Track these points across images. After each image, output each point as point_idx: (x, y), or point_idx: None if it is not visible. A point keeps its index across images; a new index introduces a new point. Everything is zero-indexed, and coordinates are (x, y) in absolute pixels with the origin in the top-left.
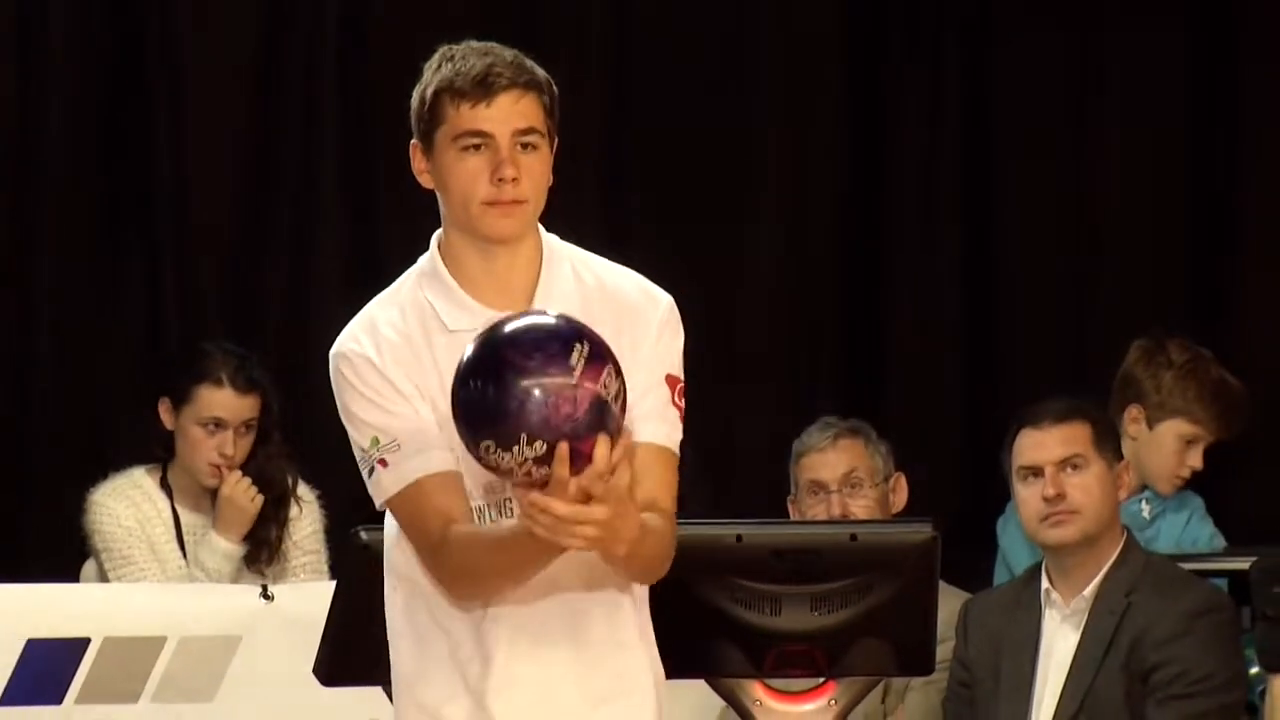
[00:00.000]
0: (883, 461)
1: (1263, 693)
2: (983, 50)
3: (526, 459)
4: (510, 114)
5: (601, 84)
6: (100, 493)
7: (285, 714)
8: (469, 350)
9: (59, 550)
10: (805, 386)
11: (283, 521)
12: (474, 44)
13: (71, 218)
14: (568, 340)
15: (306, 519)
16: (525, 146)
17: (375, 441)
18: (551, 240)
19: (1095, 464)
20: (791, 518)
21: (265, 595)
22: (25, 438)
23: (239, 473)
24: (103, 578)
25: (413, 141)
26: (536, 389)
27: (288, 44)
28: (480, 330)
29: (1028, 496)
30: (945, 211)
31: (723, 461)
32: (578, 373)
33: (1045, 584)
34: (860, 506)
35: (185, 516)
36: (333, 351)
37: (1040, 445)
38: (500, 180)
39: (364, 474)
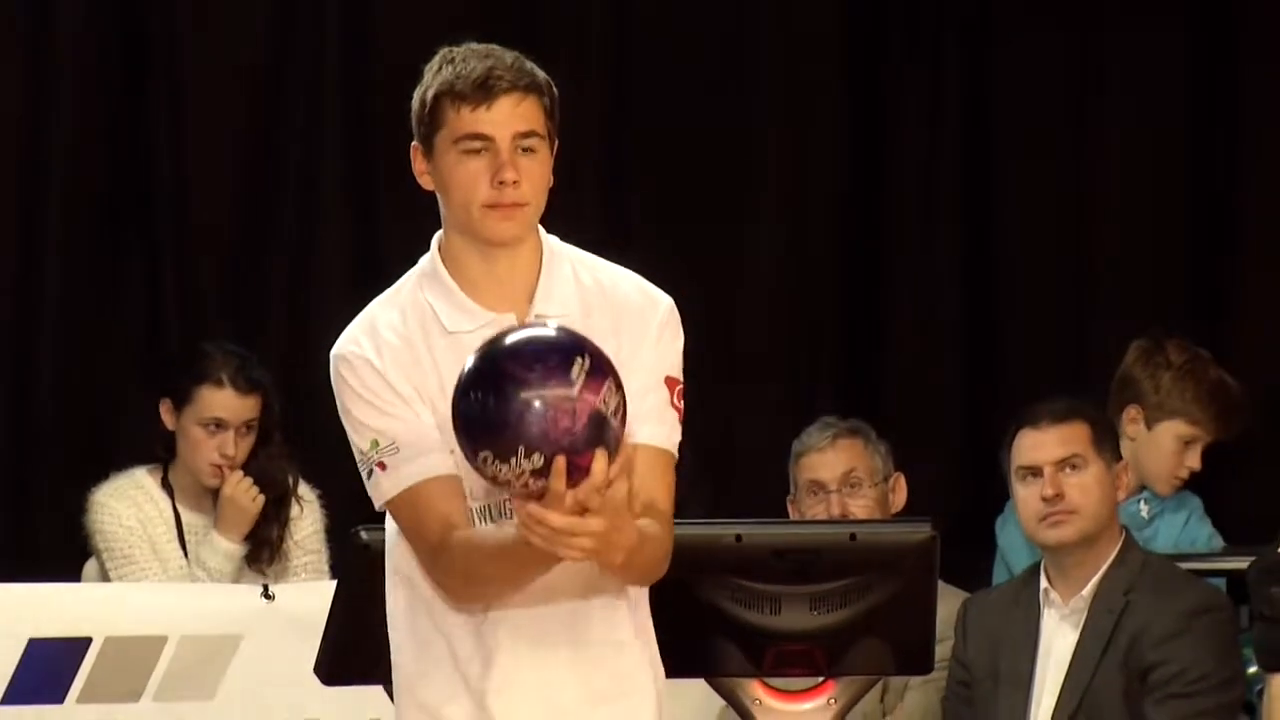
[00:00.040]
0: (882, 461)
1: (1260, 692)
2: (983, 50)
3: (524, 471)
4: (511, 117)
5: (601, 84)
6: (102, 492)
7: (286, 713)
8: (469, 362)
9: (61, 550)
10: (805, 386)
11: (284, 521)
12: (474, 46)
13: (73, 218)
14: (568, 353)
15: (307, 518)
16: (525, 150)
17: (374, 444)
18: (551, 241)
19: (1094, 464)
20: (791, 518)
21: (266, 595)
22: (27, 437)
23: (240, 473)
24: (104, 577)
25: (413, 143)
26: (536, 401)
27: (289, 44)
28: (482, 341)
29: (1026, 496)
30: (945, 211)
31: (723, 461)
32: (578, 386)
33: (1044, 583)
34: (859, 506)
35: (186, 516)
36: (333, 353)
37: (1039, 445)
38: (500, 183)
39: (363, 475)
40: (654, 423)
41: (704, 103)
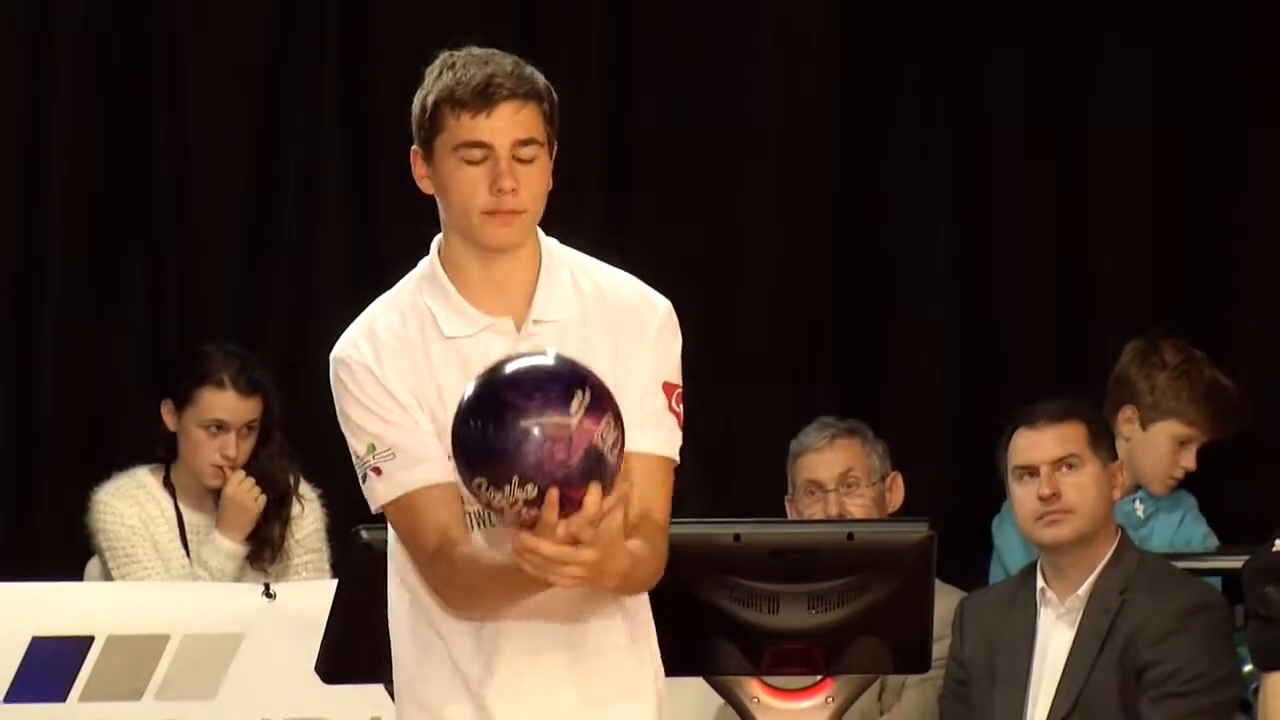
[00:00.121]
0: (879, 461)
1: (1256, 690)
2: (981, 50)
3: (517, 500)
4: (510, 125)
5: (601, 84)
6: (104, 492)
7: (287, 712)
8: (470, 389)
9: (63, 549)
10: (804, 386)
11: (285, 520)
12: (475, 51)
13: (74, 218)
14: (569, 385)
15: (308, 517)
16: (524, 158)
17: (371, 448)
18: (551, 245)
19: (1090, 464)
20: (789, 517)
21: (267, 594)
22: (28, 437)
23: (242, 473)
24: (107, 576)
25: (413, 147)
26: (534, 431)
27: (289, 44)
28: (479, 344)
29: (1023, 496)
30: (943, 211)
31: (721, 461)
32: (576, 420)
33: (1040, 582)
34: (857, 506)
35: (188, 516)
36: (333, 356)
37: (1036, 445)
38: (499, 191)
39: (359, 478)
40: (652, 429)
41: (704, 103)
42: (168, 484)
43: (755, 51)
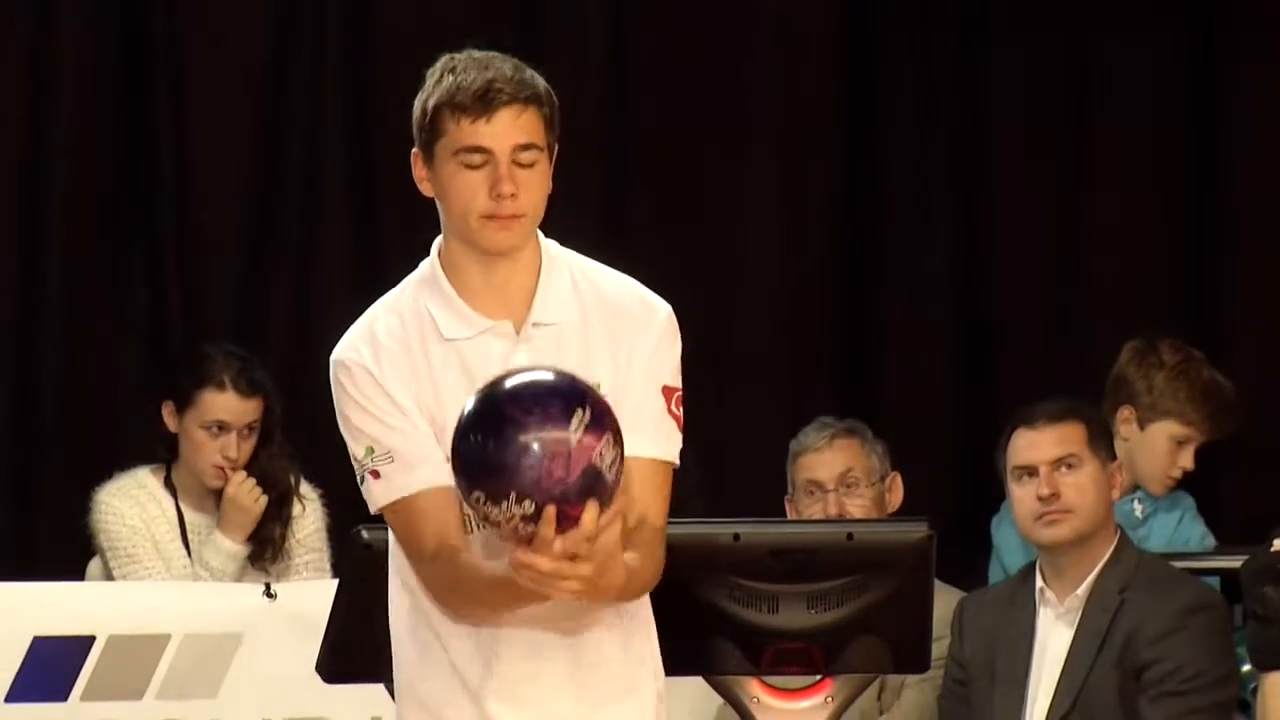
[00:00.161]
0: (879, 461)
1: (1254, 690)
2: (981, 50)
3: (514, 515)
4: (510, 130)
5: (601, 84)
6: (105, 492)
7: (288, 711)
8: (470, 403)
9: (64, 549)
10: (803, 386)
11: (286, 520)
12: (475, 54)
13: (75, 217)
14: (569, 402)
15: (309, 517)
16: (524, 163)
17: (369, 451)
18: (550, 247)
19: (1089, 464)
20: (789, 517)
21: (268, 593)
22: (29, 437)
23: (243, 473)
24: (108, 576)
25: (413, 150)
26: (533, 447)
27: (290, 44)
28: (477, 348)
29: (1022, 496)
30: (942, 211)
31: (720, 461)
32: (575, 438)
33: (1039, 582)
34: (856, 506)
35: (189, 516)
36: (333, 358)
37: (1035, 445)
38: (499, 196)
39: (358, 480)
40: (651, 433)
41: (704, 103)
42: (169, 484)
43: (755, 51)
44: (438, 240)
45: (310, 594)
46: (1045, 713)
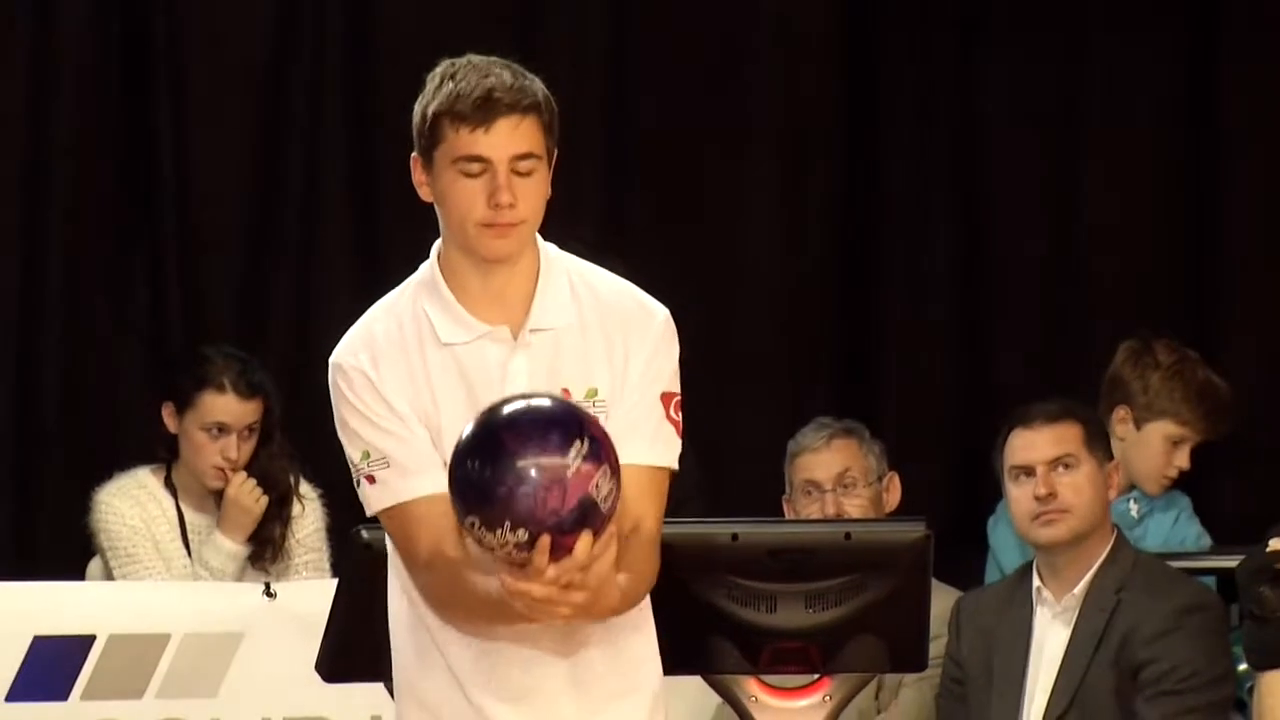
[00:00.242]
0: (876, 461)
1: (1251, 689)
2: (981, 50)
3: (508, 542)
4: (509, 139)
5: (601, 84)
6: (106, 492)
7: (288, 710)
8: (468, 429)
9: (64, 549)
10: (803, 386)
11: (286, 520)
12: (475, 60)
13: (75, 217)
14: (568, 433)
15: (309, 517)
16: (523, 171)
17: (365, 455)
18: (549, 251)
19: (1086, 464)
20: (787, 517)
21: (268, 593)
22: (30, 437)
23: (243, 474)
24: (108, 576)
25: (413, 154)
26: (528, 478)
27: (291, 44)
28: (476, 352)
29: (1019, 496)
30: (941, 211)
31: (720, 461)
32: (571, 470)
33: (1036, 582)
34: (854, 506)
35: (190, 516)
36: (331, 361)
37: (1032, 445)
38: (497, 205)
39: (354, 484)
40: (648, 440)
41: (704, 103)
42: (169, 484)
43: (755, 51)
44: (437, 244)
45: (310, 594)
46: (1042, 712)
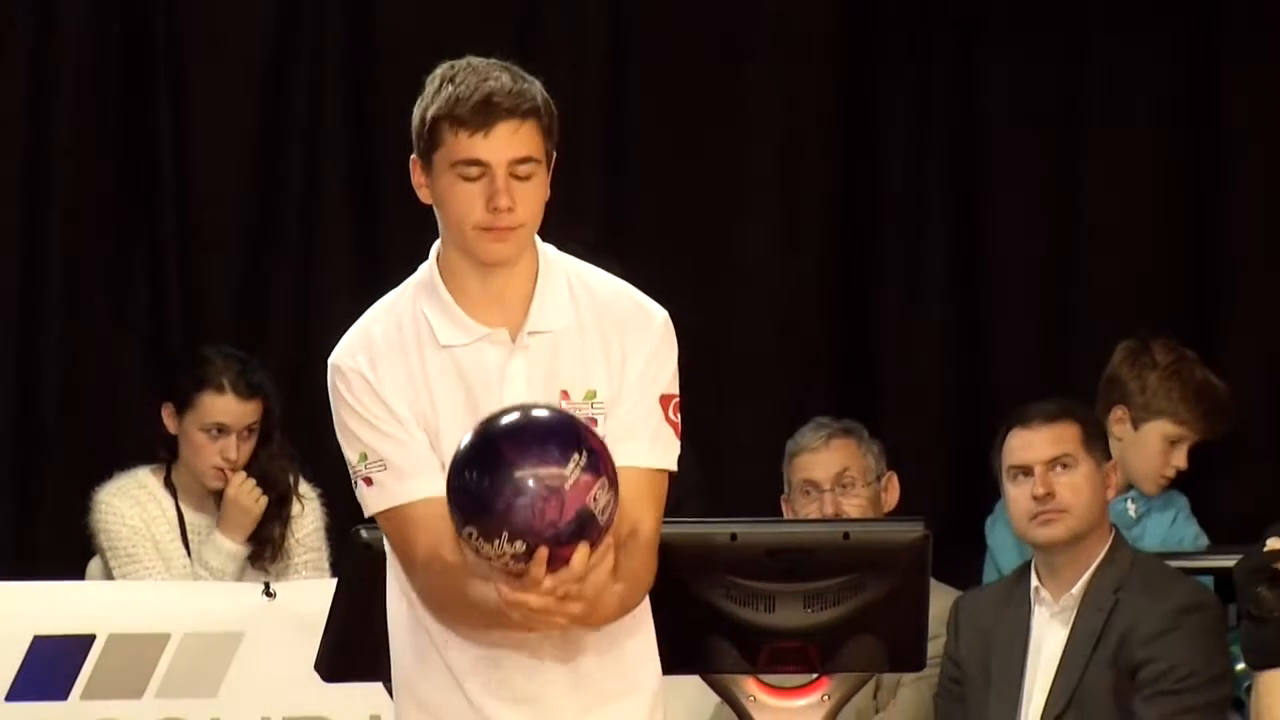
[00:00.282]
0: (875, 461)
1: (1249, 688)
2: (981, 50)
3: (505, 554)
4: (507, 144)
5: (601, 84)
6: (106, 492)
7: (287, 710)
8: (467, 438)
9: (64, 548)
10: (802, 386)
11: (285, 520)
12: (475, 63)
13: (76, 217)
14: (566, 445)
15: (308, 517)
16: (521, 175)
17: (362, 457)
18: (547, 253)
19: (1084, 464)
20: (785, 517)
21: (267, 593)
22: (30, 437)
23: (243, 474)
24: (108, 576)
25: (412, 156)
26: (525, 491)
27: (291, 43)
28: (473, 357)
29: (1018, 495)
30: (942, 211)
31: (719, 460)
32: (569, 482)
33: (1034, 581)
34: (853, 505)
35: (189, 516)
36: (330, 362)
37: (1030, 445)
38: (495, 209)
39: (353, 485)
40: (646, 443)
41: (704, 103)
42: (169, 484)
43: (755, 51)
44: (436, 245)
45: (309, 593)
46: (1040, 711)
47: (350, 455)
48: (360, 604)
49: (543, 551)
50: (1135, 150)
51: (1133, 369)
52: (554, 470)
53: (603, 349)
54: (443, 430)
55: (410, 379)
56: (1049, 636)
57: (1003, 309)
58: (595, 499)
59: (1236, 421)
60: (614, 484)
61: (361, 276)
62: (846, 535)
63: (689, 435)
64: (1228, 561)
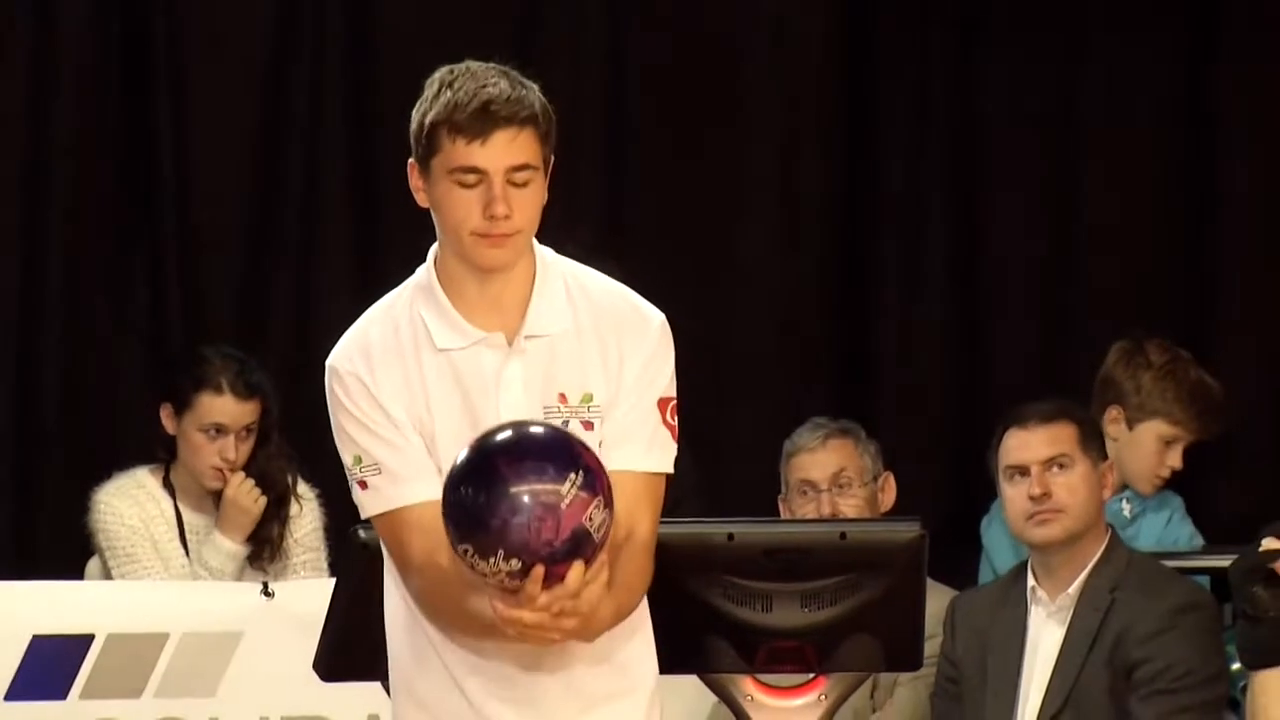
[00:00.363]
0: (872, 461)
1: (1244, 688)
2: (981, 50)
3: (501, 571)
4: (505, 152)
5: (601, 84)
6: (104, 492)
7: (286, 709)
8: (463, 454)
9: (63, 548)
10: (801, 386)
11: (284, 520)
12: (474, 68)
13: (75, 217)
14: (563, 464)
15: (307, 517)
16: (518, 182)
17: (357, 460)
18: (545, 256)
19: (1081, 464)
20: (782, 517)
21: (266, 592)
22: (30, 437)
23: (242, 474)
24: (107, 575)
25: (410, 160)
26: (522, 510)
27: (292, 43)
28: (472, 359)
29: (1014, 495)
30: (941, 211)
31: (719, 460)
32: (566, 501)
33: (1031, 581)
34: (850, 505)
35: (188, 516)
36: (328, 364)
37: (1026, 445)
38: (492, 217)
39: (349, 486)
40: (643, 446)
41: (704, 103)
42: (167, 484)
43: (755, 51)
44: (434, 248)
45: (308, 593)
46: (1037, 711)
47: (346, 458)
48: (358, 604)
49: (539, 570)
50: (1135, 150)
51: (1127, 369)
52: (550, 488)
53: (600, 352)
54: (439, 434)
55: (407, 383)
56: (1045, 636)
57: (1003, 309)
58: (591, 518)
59: (1231, 422)
60: (610, 503)
61: (361, 276)
62: (843, 535)
63: (688, 436)
64: (1223, 561)
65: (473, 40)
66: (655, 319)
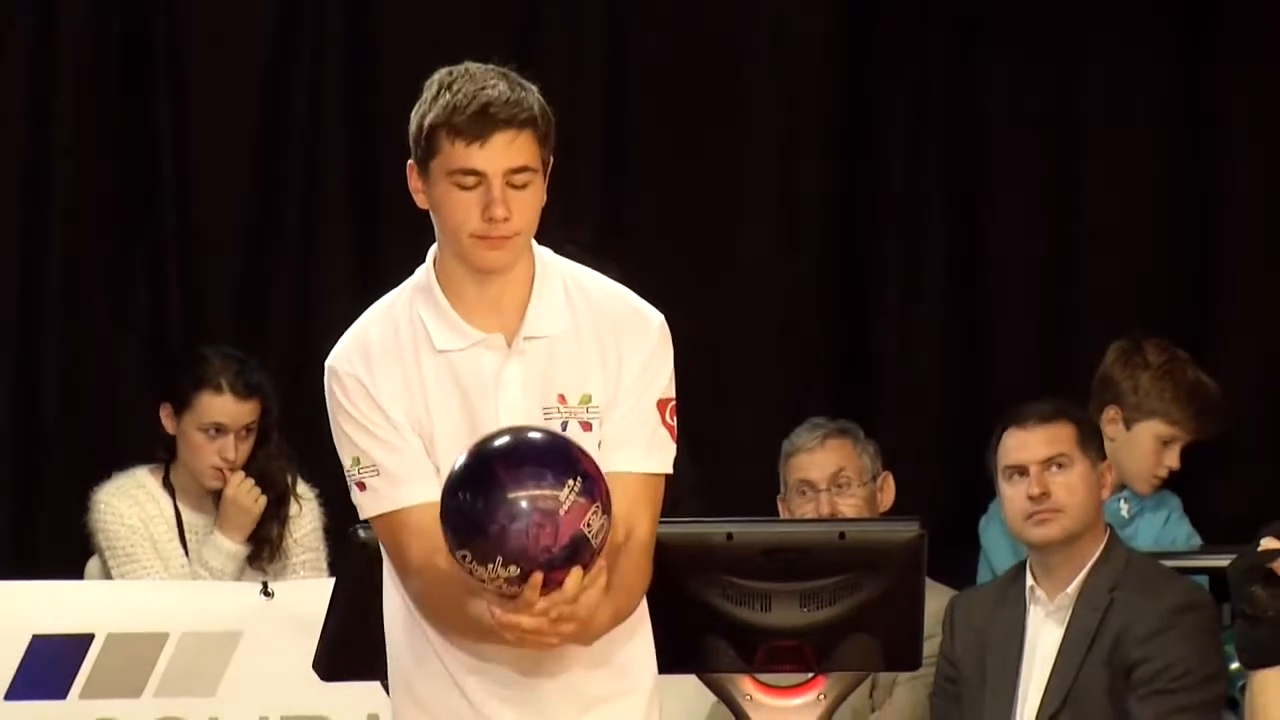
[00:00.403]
0: (870, 461)
1: (1243, 688)
2: (981, 50)
3: (499, 577)
4: (504, 154)
5: (601, 84)
6: (104, 491)
7: (285, 709)
8: (462, 460)
9: (63, 548)
10: (799, 386)
11: (283, 520)
12: (473, 70)
13: (76, 217)
14: (561, 470)
15: (306, 517)
16: (517, 184)
17: (356, 461)
18: (544, 257)
19: (1079, 463)
20: (781, 516)
21: (265, 592)
22: (30, 437)
23: (242, 474)
24: (106, 575)
25: (409, 162)
26: (521, 516)
27: (292, 43)
28: (471, 361)
29: (1013, 495)
30: (941, 211)
31: (718, 460)
32: (564, 508)
33: (1030, 581)
34: (848, 505)
35: (188, 516)
36: (327, 365)
37: (1025, 445)
38: (491, 219)
39: (348, 487)
40: (642, 447)
41: (704, 103)
42: (167, 484)
43: (755, 51)
44: (433, 249)
45: (307, 593)
46: (1035, 711)
47: (345, 460)
48: (358, 603)
49: (537, 576)
50: (1135, 150)
51: (1125, 369)
52: (549, 494)
53: (599, 353)
54: (438, 435)
55: (406, 384)
56: (1044, 636)
57: (1002, 309)
58: (589, 525)
59: (1228, 421)
60: (608, 509)
61: (361, 276)
62: (842, 535)
63: (688, 436)
64: (1222, 561)
65: (472, 40)
66: (654, 320)
